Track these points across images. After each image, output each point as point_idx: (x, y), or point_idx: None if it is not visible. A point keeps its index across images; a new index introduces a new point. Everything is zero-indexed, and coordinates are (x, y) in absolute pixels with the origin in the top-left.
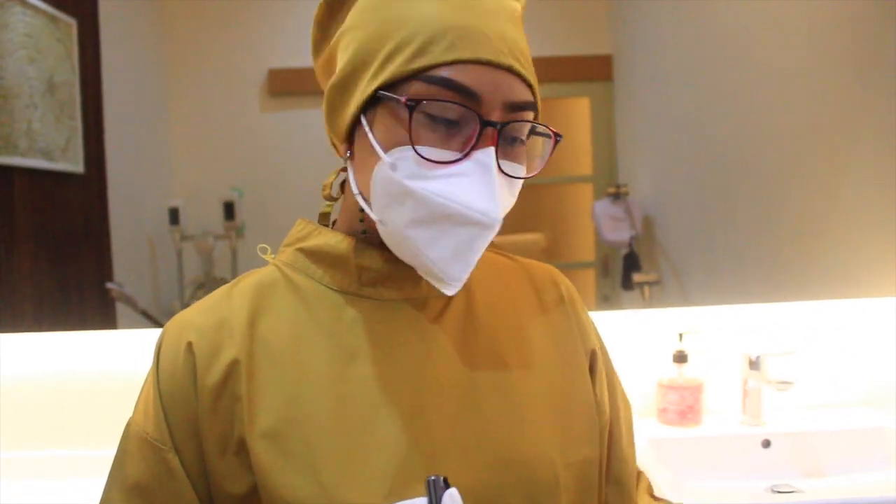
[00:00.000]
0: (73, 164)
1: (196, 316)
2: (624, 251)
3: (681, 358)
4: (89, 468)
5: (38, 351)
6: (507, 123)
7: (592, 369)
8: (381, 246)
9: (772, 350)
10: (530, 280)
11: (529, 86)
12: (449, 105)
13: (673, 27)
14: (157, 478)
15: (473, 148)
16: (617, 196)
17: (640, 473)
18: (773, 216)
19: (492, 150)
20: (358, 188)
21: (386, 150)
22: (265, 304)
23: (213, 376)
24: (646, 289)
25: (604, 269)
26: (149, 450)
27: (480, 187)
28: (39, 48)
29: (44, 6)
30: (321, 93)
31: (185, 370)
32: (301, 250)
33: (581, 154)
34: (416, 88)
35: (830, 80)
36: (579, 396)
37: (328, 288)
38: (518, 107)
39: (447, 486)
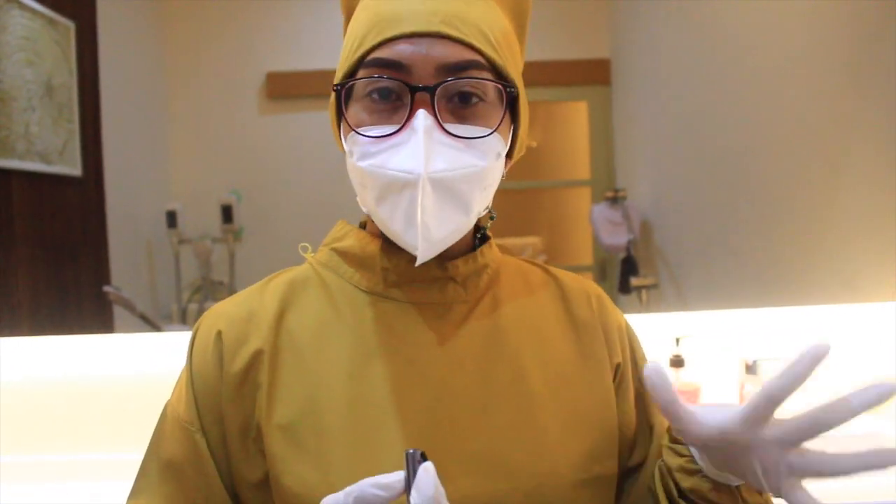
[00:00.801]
0: (71, 167)
1: (229, 307)
2: (622, 255)
3: (677, 362)
4: (87, 472)
5: (36, 355)
6: (439, 84)
7: (618, 383)
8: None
9: (769, 355)
10: (561, 293)
11: (474, 48)
12: (376, 80)
13: (670, 32)
14: (187, 456)
15: (409, 117)
16: (615, 200)
17: None
18: (770, 221)
19: (421, 112)
20: (357, 194)
21: (345, 139)
22: (294, 300)
23: (237, 364)
24: (643, 292)
25: (601, 272)
26: (180, 430)
27: (410, 149)
28: (38, 51)
29: (42, 9)
30: (319, 96)
31: (214, 357)
32: (335, 250)
33: (579, 158)
34: (362, 77)
35: (828, 86)
36: (602, 414)
37: (356, 288)
38: (457, 67)
39: (424, 459)
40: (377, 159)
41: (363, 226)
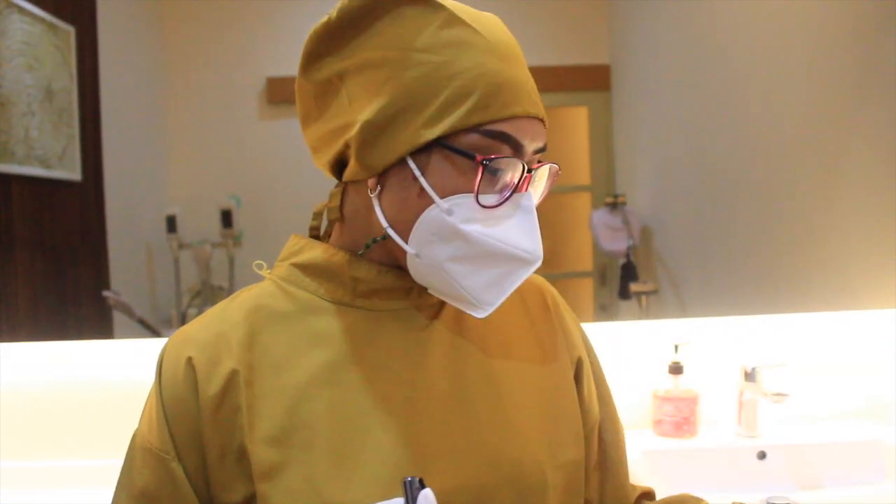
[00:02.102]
0: (71, 171)
1: (195, 331)
2: (621, 261)
3: (676, 369)
4: (86, 478)
5: (35, 360)
6: (540, 166)
7: (578, 376)
8: (376, 260)
9: (768, 362)
10: (518, 292)
11: (544, 126)
12: (511, 160)
13: (671, 38)
14: (163, 486)
15: (516, 190)
16: (615, 206)
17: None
18: (770, 227)
19: (531, 193)
20: (388, 221)
21: (441, 195)
22: (262, 317)
23: (213, 387)
24: (643, 298)
25: (601, 278)
26: (153, 459)
27: (527, 229)
28: (37, 56)
29: (42, 14)
30: None
31: (187, 384)
32: (295, 265)
33: (579, 163)
34: (473, 140)
35: (828, 91)
36: (565, 401)
37: (322, 299)
38: (540, 151)
39: (423, 486)
40: (492, 230)
41: (316, 237)
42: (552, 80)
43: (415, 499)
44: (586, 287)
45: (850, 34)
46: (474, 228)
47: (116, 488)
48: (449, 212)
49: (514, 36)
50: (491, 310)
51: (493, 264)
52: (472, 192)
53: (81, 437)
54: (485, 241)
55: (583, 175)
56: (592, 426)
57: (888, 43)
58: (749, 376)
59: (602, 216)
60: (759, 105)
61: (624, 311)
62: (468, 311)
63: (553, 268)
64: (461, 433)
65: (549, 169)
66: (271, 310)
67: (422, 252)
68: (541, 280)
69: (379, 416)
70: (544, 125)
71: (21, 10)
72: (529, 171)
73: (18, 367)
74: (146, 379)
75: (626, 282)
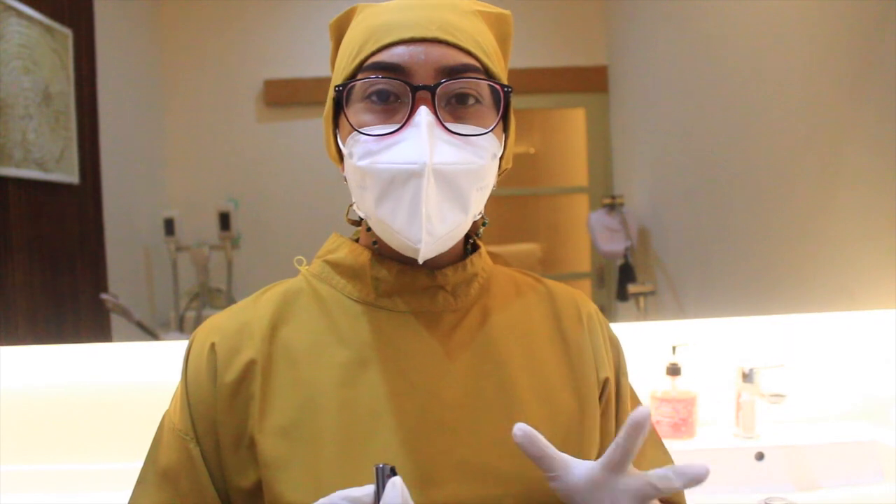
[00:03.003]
0: (68, 174)
1: (223, 319)
2: (619, 262)
3: (674, 370)
4: (85, 482)
5: (32, 364)
6: (439, 84)
7: (601, 399)
8: (396, 258)
9: (765, 363)
10: (552, 303)
11: (470, 53)
12: (376, 80)
13: (668, 39)
14: (182, 465)
15: (411, 114)
16: (612, 207)
17: None
18: (768, 227)
19: (423, 109)
20: (353, 199)
21: (344, 143)
22: (288, 311)
23: (230, 375)
24: (641, 299)
25: (599, 279)
26: (175, 440)
27: (412, 143)
28: (35, 59)
29: (40, 17)
30: (317, 103)
31: (208, 369)
32: (327, 262)
33: (576, 164)
34: (359, 85)
35: (825, 92)
36: (586, 422)
37: (348, 298)
38: (455, 69)
39: (393, 473)
40: (380, 156)
41: (357, 240)
42: (549, 81)
43: (383, 485)
44: (584, 288)
45: (848, 36)
46: (369, 161)
47: (145, 462)
48: (350, 154)
49: (515, 38)
50: (424, 249)
51: (399, 190)
52: (357, 127)
53: (80, 441)
54: (376, 169)
55: (580, 176)
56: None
57: (885, 45)
58: (747, 377)
59: (600, 217)
60: (756, 106)
61: (622, 313)
62: (415, 258)
63: (550, 269)
64: (470, 445)
65: (490, 88)
66: (298, 305)
67: (365, 211)
68: (579, 294)
69: (389, 421)
70: (458, 48)
71: (18, 13)
72: (419, 88)
73: (16, 370)
74: (144, 382)
75: (623, 283)
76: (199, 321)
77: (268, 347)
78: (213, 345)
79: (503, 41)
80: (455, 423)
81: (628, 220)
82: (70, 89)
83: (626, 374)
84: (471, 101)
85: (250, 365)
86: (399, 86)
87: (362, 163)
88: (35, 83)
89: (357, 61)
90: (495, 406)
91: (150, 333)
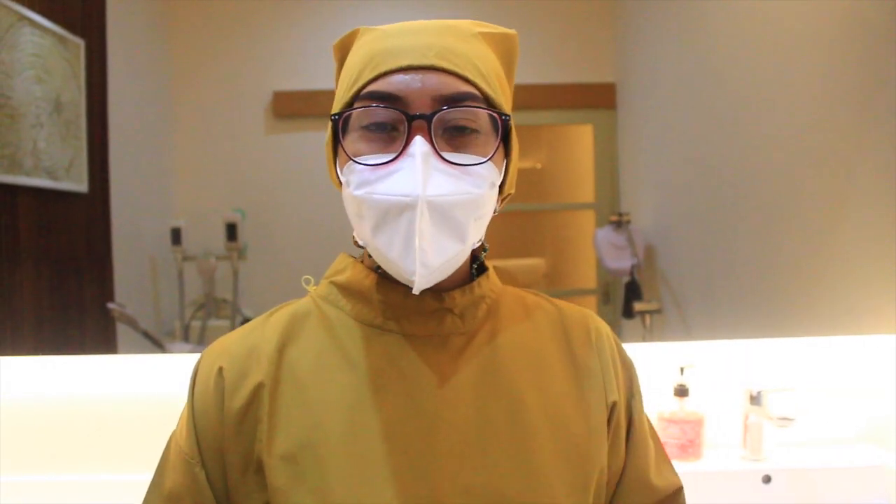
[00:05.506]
0: (78, 183)
1: (231, 342)
2: (625, 279)
3: (682, 392)
4: (90, 493)
5: (39, 375)
6: (436, 113)
7: (612, 422)
8: (402, 280)
9: (773, 385)
10: (562, 324)
11: (468, 81)
12: (372, 110)
13: (676, 57)
14: (187, 488)
15: (406, 144)
16: (619, 224)
17: None
18: (775, 247)
19: (418, 139)
20: (353, 226)
21: (341, 171)
22: (295, 333)
23: (238, 399)
24: (646, 317)
25: (605, 296)
26: (181, 462)
27: (406, 174)
28: (47, 68)
29: (52, 26)
30: (326, 115)
31: (215, 393)
32: (334, 283)
33: (583, 181)
34: (356, 113)
35: (833, 114)
36: (595, 447)
37: (355, 321)
38: (452, 98)
39: None
40: (376, 186)
41: (363, 260)
42: (557, 97)
43: None
44: (589, 305)
45: (857, 52)
46: (365, 191)
47: (151, 484)
48: (347, 184)
49: (521, 54)
50: (419, 282)
51: (393, 222)
52: (353, 156)
53: (85, 452)
54: (372, 199)
55: (587, 193)
56: (614, 475)
57: (895, 61)
58: (754, 400)
59: (606, 234)
60: (764, 125)
61: (627, 330)
62: (411, 287)
63: (555, 284)
64: (477, 471)
65: (489, 116)
66: (306, 327)
67: (363, 239)
68: (589, 314)
69: (396, 446)
70: (456, 76)
71: (32, 22)
72: (415, 118)
73: (22, 380)
74: (150, 394)
75: (629, 301)
76: (204, 331)
77: (275, 370)
78: (220, 369)
79: (508, 61)
80: (463, 446)
81: (635, 237)
82: (81, 99)
83: (639, 398)
84: (468, 130)
85: (258, 388)
86: (395, 115)
87: (358, 192)
88: (47, 92)
89: (354, 89)
90: (503, 429)
91: (156, 343)
